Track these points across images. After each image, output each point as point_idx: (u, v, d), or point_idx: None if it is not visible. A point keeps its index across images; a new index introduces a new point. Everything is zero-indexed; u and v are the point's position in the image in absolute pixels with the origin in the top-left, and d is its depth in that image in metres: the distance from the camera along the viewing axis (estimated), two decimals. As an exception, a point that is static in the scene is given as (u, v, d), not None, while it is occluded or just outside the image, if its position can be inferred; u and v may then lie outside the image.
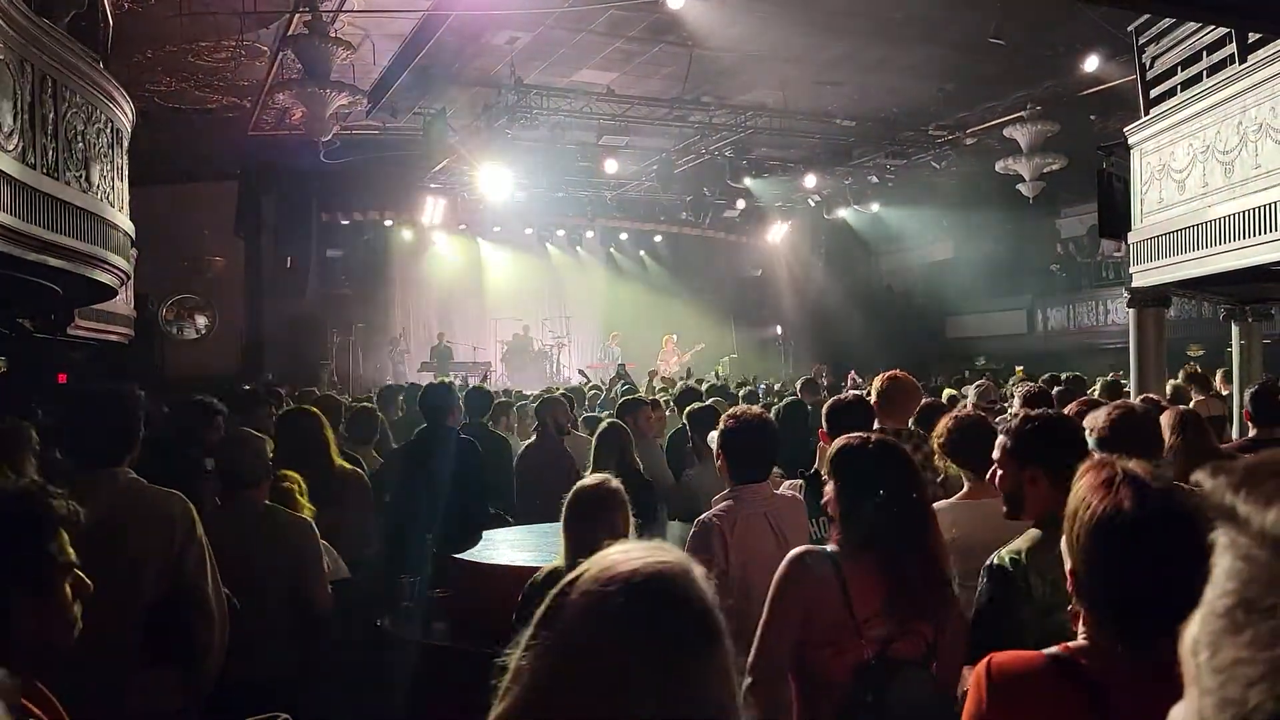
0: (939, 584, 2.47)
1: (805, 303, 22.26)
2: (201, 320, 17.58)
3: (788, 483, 3.88)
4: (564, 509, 3.05)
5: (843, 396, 4.62)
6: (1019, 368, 16.87)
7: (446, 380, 6.21)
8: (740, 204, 18.54)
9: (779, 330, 21.46)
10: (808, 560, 2.46)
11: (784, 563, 2.48)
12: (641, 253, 21.86)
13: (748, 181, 15.85)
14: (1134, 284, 8.48)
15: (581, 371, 14.96)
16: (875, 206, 18.37)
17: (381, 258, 19.20)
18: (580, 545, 2.97)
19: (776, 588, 2.45)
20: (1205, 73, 7.24)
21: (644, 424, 5.71)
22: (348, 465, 4.92)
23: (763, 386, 13.64)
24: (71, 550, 1.78)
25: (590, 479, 3.18)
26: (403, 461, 5.22)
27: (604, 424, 5.17)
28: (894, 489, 2.46)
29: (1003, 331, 19.32)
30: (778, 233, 20.89)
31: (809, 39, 12.60)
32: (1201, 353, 15.32)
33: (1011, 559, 2.46)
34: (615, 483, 3.09)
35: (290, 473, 3.90)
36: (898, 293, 23.02)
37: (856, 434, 2.69)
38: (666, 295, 21.36)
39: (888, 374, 4.68)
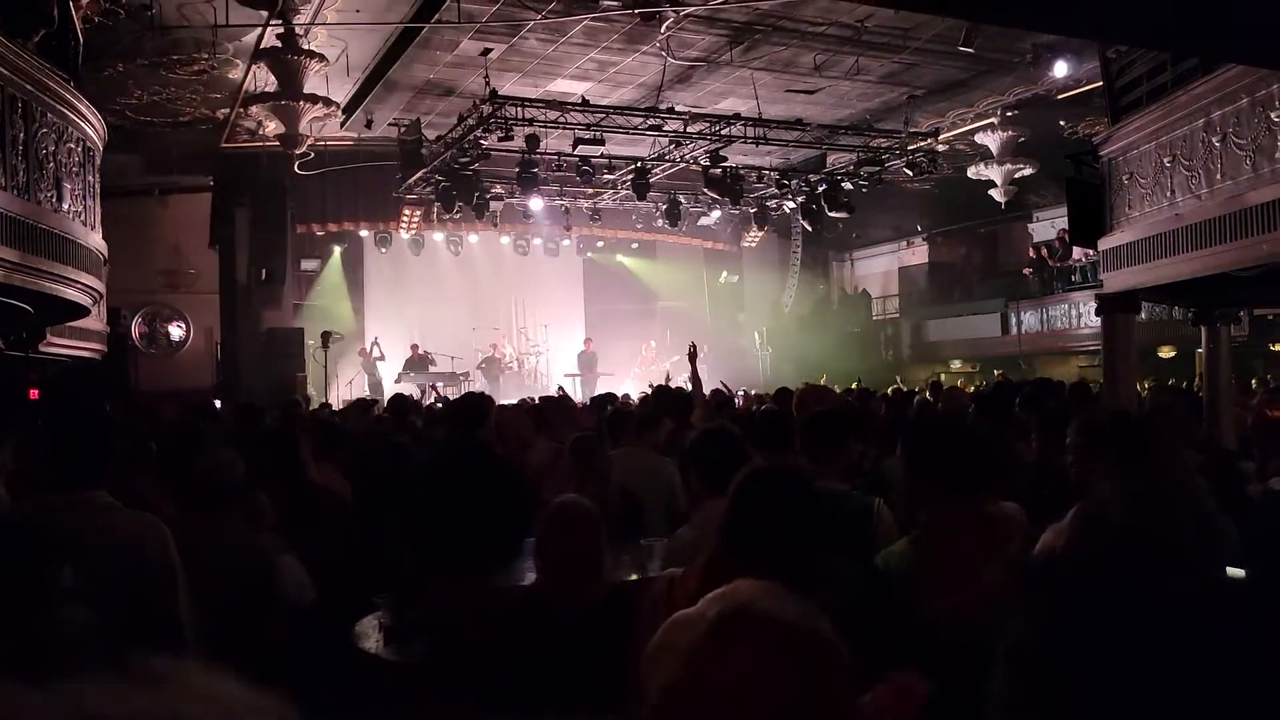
0: None
1: (781, 308, 22.37)
2: (175, 333, 17.41)
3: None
4: (540, 526, 3.06)
5: (821, 410, 4.65)
6: (998, 372, 17.00)
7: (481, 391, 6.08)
8: (715, 211, 18.60)
9: (756, 336, 21.54)
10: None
11: None
12: (619, 258, 21.88)
13: (722, 189, 15.88)
14: (1104, 290, 8.60)
15: (561, 389, 14.90)
16: (849, 212, 18.45)
17: (357, 269, 19.10)
18: (552, 563, 3.00)
19: None
20: (1171, 83, 7.35)
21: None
22: (325, 484, 4.72)
23: (740, 393, 13.67)
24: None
25: (564, 498, 3.19)
26: (423, 479, 5.03)
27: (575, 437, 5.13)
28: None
29: (977, 334, 19.49)
30: (753, 239, 20.98)
31: (781, 48, 12.69)
32: (1173, 354, 15.54)
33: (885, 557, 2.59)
34: (587, 502, 3.11)
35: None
36: (873, 297, 23.20)
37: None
38: (644, 303, 21.38)
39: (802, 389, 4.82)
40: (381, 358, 18.16)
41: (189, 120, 14.68)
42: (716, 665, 1.21)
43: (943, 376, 18.78)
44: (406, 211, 17.69)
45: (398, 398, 8.17)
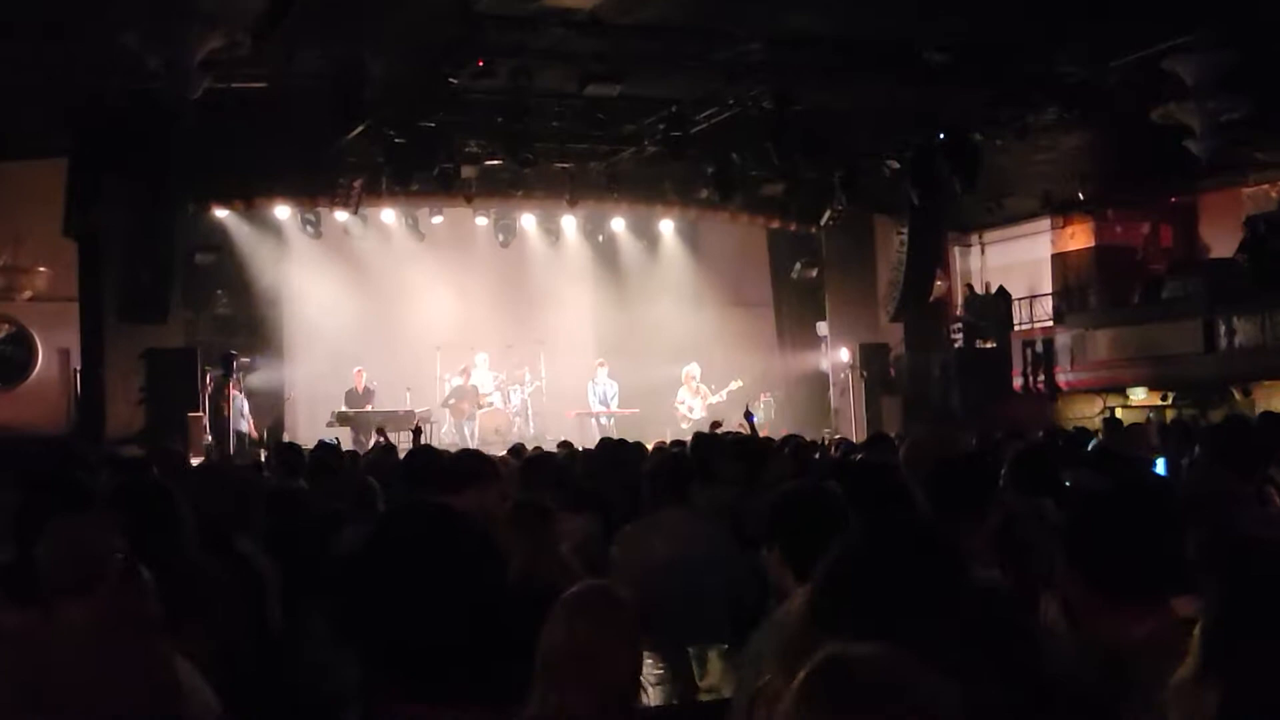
0: None
1: (881, 314, 22.14)
2: (15, 356, 17.47)
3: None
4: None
5: (951, 458, 4.81)
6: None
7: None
8: (784, 177, 18.52)
9: (845, 356, 21.35)
10: None
11: None
12: (644, 245, 21.83)
13: (794, 143, 15.81)
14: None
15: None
16: (977, 175, 18.27)
17: (275, 263, 19.12)
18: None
19: None
20: None
21: None
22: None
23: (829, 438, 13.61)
24: None
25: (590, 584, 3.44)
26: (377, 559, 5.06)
27: None
28: None
29: (1167, 350, 19.15)
30: (838, 215, 20.83)
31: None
32: None
33: None
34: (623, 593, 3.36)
35: None
36: (1014, 299, 22.95)
37: None
38: (680, 308, 21.30)
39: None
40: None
41: (34, 55, 14.72)
42: None
43: (1119, 411, 18.48)
44: (343, 181, 17.71)
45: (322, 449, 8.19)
